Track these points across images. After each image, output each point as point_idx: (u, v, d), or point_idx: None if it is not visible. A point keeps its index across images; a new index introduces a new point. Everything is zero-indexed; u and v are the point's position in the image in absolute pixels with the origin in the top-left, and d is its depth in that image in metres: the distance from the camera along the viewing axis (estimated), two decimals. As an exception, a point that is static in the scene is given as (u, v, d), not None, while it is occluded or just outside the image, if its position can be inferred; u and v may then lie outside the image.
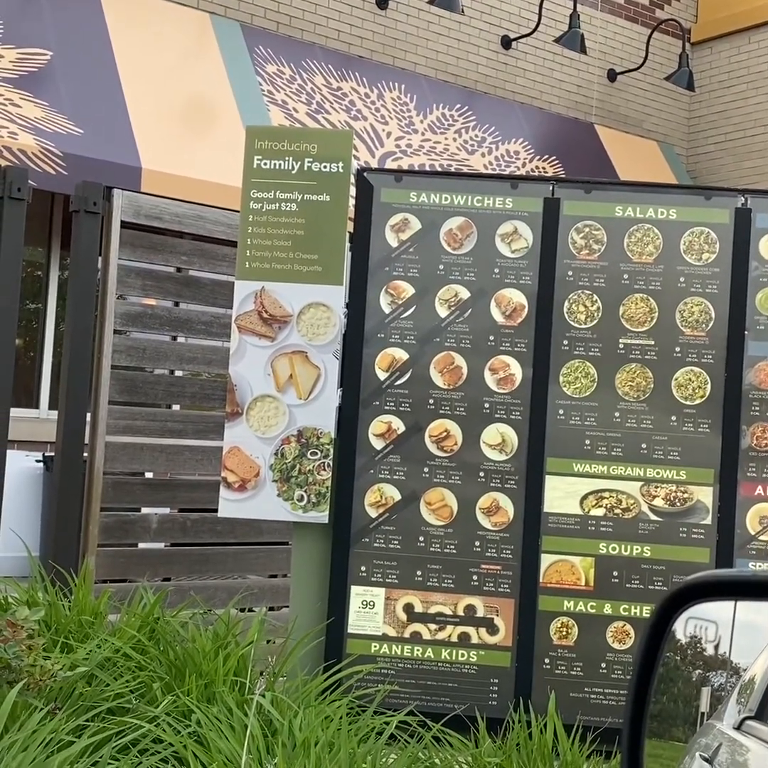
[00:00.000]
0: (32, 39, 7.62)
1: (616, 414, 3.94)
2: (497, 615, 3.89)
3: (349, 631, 3.90)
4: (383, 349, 4.01)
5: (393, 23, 9.98)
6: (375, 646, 3.90)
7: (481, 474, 3.95)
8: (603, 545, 3.90)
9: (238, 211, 4.14)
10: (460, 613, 3.90)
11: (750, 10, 11.48)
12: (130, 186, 6.53)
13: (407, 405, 3.99)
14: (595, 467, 3.93)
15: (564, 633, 3.87)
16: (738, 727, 1.29)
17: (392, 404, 3.99)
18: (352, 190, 4.05)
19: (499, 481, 3.94)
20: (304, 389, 3.95)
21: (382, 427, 3.99)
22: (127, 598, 3.76)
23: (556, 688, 3.75)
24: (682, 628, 1.21)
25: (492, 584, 3.90)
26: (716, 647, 1.22)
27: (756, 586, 1.16)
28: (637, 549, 3.89)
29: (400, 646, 3.90)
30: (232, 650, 3.27)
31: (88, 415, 4.51)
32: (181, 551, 4.89)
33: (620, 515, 3.91)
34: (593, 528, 3.90)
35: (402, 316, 4.02)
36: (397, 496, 3.96)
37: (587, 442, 3.94)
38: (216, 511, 4.07)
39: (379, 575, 3.93)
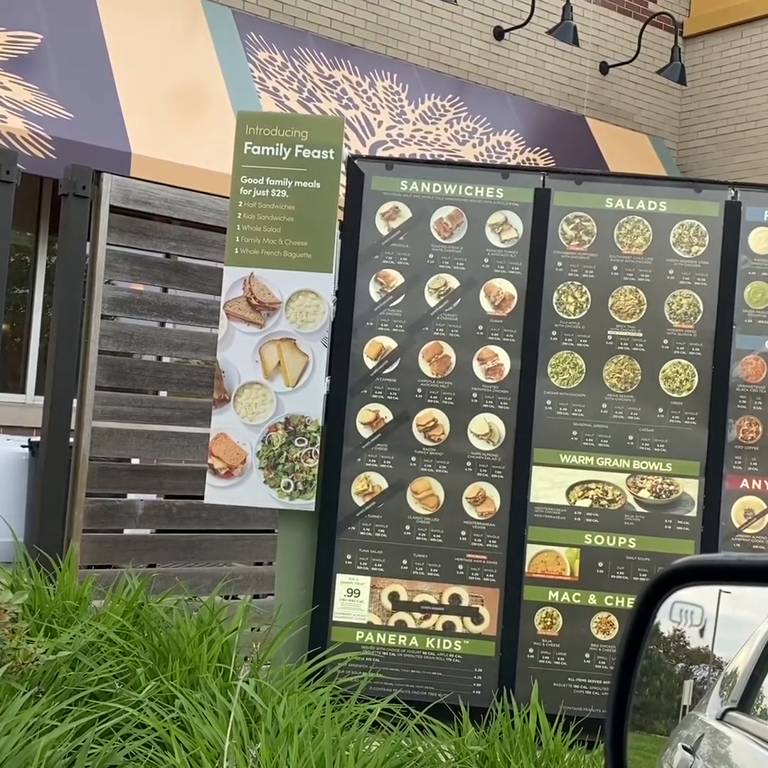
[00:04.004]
0: (23, 21, 7.57)
1: (604, 405, 3.95)
2: (482, 604, 3.90)
3: (334, 618, 3.90)
4: (372, 338, 4.00)
5: (385, 12, 9.95)
6: (360, 634, 3.90)
7: (468, 464, 3.95)
8: (588, 536, 3.91)
9: (227, 197, 4.13)
10: (445, 602, 3.91)
11: (742, 5, 11.48)
12: (120, 171, 6.49)
13: (395, 394, 3.98)
14: (581, 458, 3.94)
15: (548, 623, 3.88)
16: (720, 719, 1.29)
17: (380, 393, 3.99)
18: (343, 178, 4.04)
19: (486, 470, 3.95)
20: (292, 376, 3.94)
21: (369, 416, 3.98)
22: (112, 583, 3.75)
23: (540, 677, 3.76)
24: (668, 614, 1.21)
25: (477, 574, 3.91)
26: (702, 631, 1.23)
27: (743, 571, 1.16)
28: (622, 540, 3.90)
29: (384, 635, 3.90)
30: (217, 636, 3.27)
31: (75, 400, 4.49)
32: (167, 538, 4.88)
33: (606, 506, 3.91)
34: (579, 519, 3.91)
35: (391, 305, 4.02)
36: (384, 485, 3.96)
37: (574, 433, 3.94)
38: (202, 497, 4.06)
39: (365, 563, 3.93)
